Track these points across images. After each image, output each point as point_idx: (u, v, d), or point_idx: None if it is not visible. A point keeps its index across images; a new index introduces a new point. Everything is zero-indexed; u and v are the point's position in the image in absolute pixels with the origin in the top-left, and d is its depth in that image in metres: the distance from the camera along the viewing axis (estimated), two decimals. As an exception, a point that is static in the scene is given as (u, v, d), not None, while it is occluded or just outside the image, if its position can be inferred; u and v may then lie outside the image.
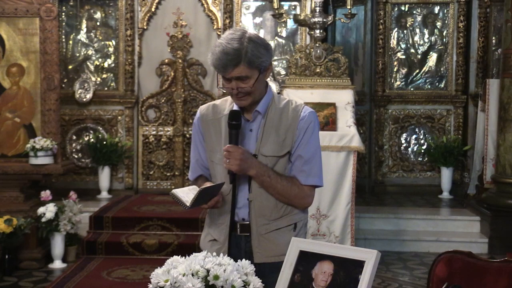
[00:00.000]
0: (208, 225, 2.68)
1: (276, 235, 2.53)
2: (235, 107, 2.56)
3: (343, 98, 6.02)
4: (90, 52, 8.29)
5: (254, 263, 2.49)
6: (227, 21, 8.09)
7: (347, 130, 5.79)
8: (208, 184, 2.52)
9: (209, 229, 2.66)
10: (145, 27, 8.22)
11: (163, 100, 8.29)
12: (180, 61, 8.16)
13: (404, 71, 8.67)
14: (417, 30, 8.65)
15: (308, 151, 2.55)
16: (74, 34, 8.27)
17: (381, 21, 8.51)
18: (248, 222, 2.55)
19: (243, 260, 1.91)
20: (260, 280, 1.88)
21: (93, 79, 8.24)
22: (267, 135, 2.54)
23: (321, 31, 6.23)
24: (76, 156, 8.26)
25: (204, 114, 2.66)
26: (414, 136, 8.67)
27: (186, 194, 2.48)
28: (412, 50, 8.65)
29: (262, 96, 2.56)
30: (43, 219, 5.88)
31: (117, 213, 6.74)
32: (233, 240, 2.56)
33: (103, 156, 7.83)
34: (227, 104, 2.64)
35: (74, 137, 8.28)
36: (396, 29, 8.64)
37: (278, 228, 2.55)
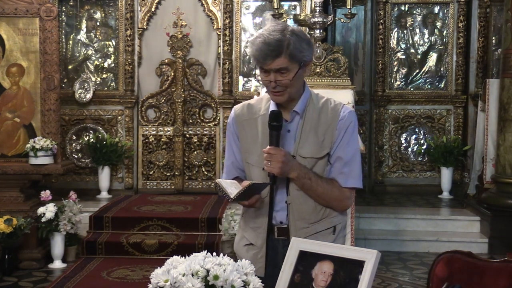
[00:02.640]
0: (243, 228, 2.60)
1: (316, 239, 2.37)
2: (272, 107, 2.48)
3: (343, 98, 6.00)
4: (90, 52, 8.29)
5: None
6: (227, 21, 8.09)
7: (347, 130, 5.77)
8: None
9: (244, 233, 2.58)
10: (145, 27, 8.22)
11: (163, 100, 8.29)
12: (180, 61, 8.16)
13: (404, 71, 8.67)
14: (417, 30, 8.65)
15: (348, 152, 2.47)
16: (74, 34, 8.27)
17: (381, 21, 8.51)
18: (286, 226, 2.47)
19: (243, 261, 1.91)
20: (260, 280, 1.87)
21: (93, 79, 8.24)
22: (306, 136, 2.46)
23: (321, 31, 6.23)
24: (76, 156, 8.26)
25: (239, 114, 2.58)
26: (414, 136, 8.67)
27: (229, 186, 2.41)
28: (412, 50, 8.65)
29: (300, 95, 2.48)
30: (43, 219, 5.87)
31: (117, 213, 6.74)
32: (270, 244, 2.49)
33: (103, 156, 7.83)
34: (262, 103, 2.56)
35: (74, 137, 8.28)
36: (396, 29, 8.64)
37: (318, 231, 2.47)
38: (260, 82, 2.53)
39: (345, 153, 2.46)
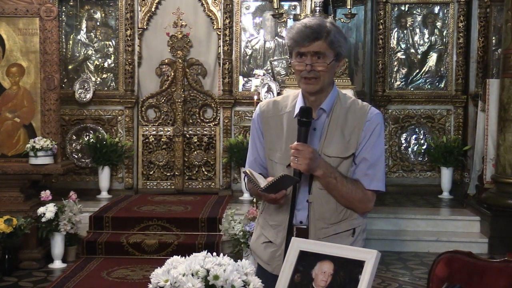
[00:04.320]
0: (262, 226, 2.57)
1: (334, 240, 2.36)
2: (299, 104, 2.47)
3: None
4: (90, 52, 8.30)
5: None
6: (227, 21, 8.09)
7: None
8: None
9: (263, 230, 2.56)
10: (145, 27, 8.22)
11: (163, 100, 8.29)
12: (180, 61, 8.16)
13: (404, 71, 8.67)
14: (417, 30, 8.65)
15: (374, 154, 2.44)
16: (74, 34, 8.27)
17: (381, 21, 8.51)
18: (305, 227, 2.44)
19: (243, 261, 1.91)
20: (261, 280, 1.87)
21: (93, 79, 8.24)
22: (331, 134, 2.44)
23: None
24: (76, 156, 8.26)
25: (265, 110, 2.56)
26: (414, 136, 8.67)
27: (258, 177, 2.39)
28: (412, 50, 8.65)
29: (328, 92, 2.47)
30: (43, 219, 5.88)
31: (117, 213, 6.74)
32: (288, 244, 2.46)
33: (103, 156, 7.83)
34: (289, 100, 2.54)
35: (74, 137, 8.28)
36: (396, 29, 8.64)
37: (337, 232, 2.44)
38: (294, 68, 2.48)
39: (371, 155, 2.45)
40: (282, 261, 2.46)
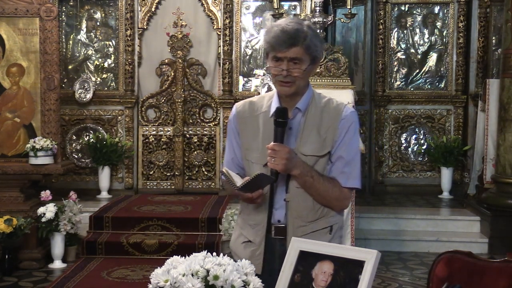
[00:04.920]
0: (241, 226, 2.60)
1: (312, 238, 2.36)
2: (274, 104, 2.49)
3: (343, 98, 5.97)
4: (90, 52, 8.30)
5: None
6: (227, 21, 8.09)
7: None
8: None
9: (242, 230, 2.59)
10: (145, 27, 8.22)
11: (163, 100, 8.29)
12: (180, 61, 8.16)
13: (404, 71, 8.67)
14: (417, 30, 8.65)
15: (350, 152, 2.48)
16: (74, 34, 8.27)
17: (381, 21, 8.51)
18: (283, 225, 2.48)
19: (243, 261, 1.90)
20: (260, 280, 1.87)
21: (93, 79, 8.24)
22: (307, 133, 2.47)
23: (321, 31, 6.23)
24: (76, 156, 8.26)
25: (241, 111, 2.59)
26: (414, 136, 8.67)
27: (235, 176, 2.42)
28: (412, 50, 8.65)
29: (304, 93, 2.49)
30: (43, 219, 5.88)
31: (117, 213, 6.74)
32: (267, 243, 2.49)
33: (103, 156, 7.83)
34: (264, 101, 2.56)
35: (74, 137, 8.28)
36: (396, 29, 8.64)
37: (315, 230, 2.48)
38: (270, 71, 2.49)
39: (347, 152, 2.48)
40: (262, 260, 2.48)
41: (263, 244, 2.48)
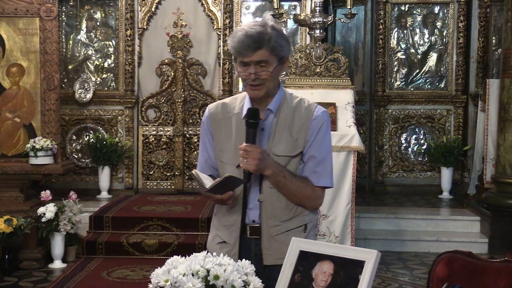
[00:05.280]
0: (216, 227, 2.63)
1: (287, 236, 2.41)
2: (246, 105, 2.51)
3: (343, 98, 6.02)
4: (90, 52, 8.30)
5: (263, 265, 2.48)
6: (227, 21, 8.09)
7: (347, 130, 5.78)
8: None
9: (217, 231, 2.61)
10: (145, 27, 8.22)
11: (163, 100, 8.29)
12: (180, 61, 8.16)
13: (404, 71, 8.67)
14: (417, 30, 8.65)
15: (322, 151, 2.52)
16: (74, 34, 8.27)
17: (381, 21, 8.51)
18: (258, 225, 2.51)
19: (243, 261, 1.91)
20: (261, 281, 1.87)
21: (93, 79, 8.24)
22: (279, 134, 2.50)
23: (321, 31, 6.23)
24: (76, 156, 8.26)
25: (214, 112, 2.61)
26: (414, 136, 8.67)
27: (205, 178, 2.44)
28: (412, 50, 8.65)
29: (275, 93, 2.52)
30: (43, 219, 5.87)
31: (117, 213, 6.74)
32: (243, 243, 2.52)
33: (103, 156, 7.83)
34: (237, 102, 2.59)
35: (74, 137, 8.28)
36: (396, 29, 8.64)
37: (289, 229, 2.51)
38: (239, 76, 2.51)
39: (319, 152, 2.51)
40: (237, 261, 2.50)
41: (238, 245, 2.52)
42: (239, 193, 2.48)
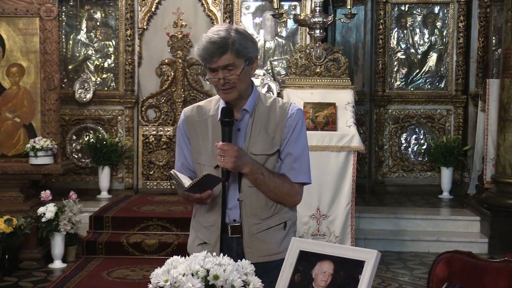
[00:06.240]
0: (196, 229, 2.66)
1: (267, 234, 2.53)
2: (221, 106, 2.54)
3: (343, 98, 6.02)
4: (90, 52, 8.30)
5: None
6: (227, 21, 8.08)
7: (347, 130, 5.79)
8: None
9: (197, 233, 2.64)
10: (145, 27, 8.22)
11: (163, 100, 8.29)
12: (180, 61, 8.16)
13: (404, 71, 8.67)
14: (417, 30, 8.65)
15: (298, 148, 2.55)
16: (74, 34, 8.27)
17: (381, 21, 8.51)
18: (239, 224, 2.54)
19: (243, 261, 1.91)
20: (260, 280, 1.87)
21: (93, 79, 8.24)
22: (256, 133, 2.53)
23: (321, 31, 6.23)
24: (76, 156, 8.26)
25: (189, 115, 2.64)
26: (414, 136, 8.67)
27: (184, 178, 2.47)
28: (412, 50, 8.65)
29: (249, 94, 2.55)
30: (43, 219, 5.88)
31: (117, 213, 6.74)
32: (224, 243, 2.54)
33: (103, 156, 7.83)
34: (211, 104, 2.62)
35: (74, 137, 8.28)
36: (396, 29, 8.64)
37: (269, 227, 2.54)
38: (209, 82, 2.54)
39: (295, 149, 2.55)
40: None
41: (219, 245, 2.54)
42: (218, 193, 2.51)
